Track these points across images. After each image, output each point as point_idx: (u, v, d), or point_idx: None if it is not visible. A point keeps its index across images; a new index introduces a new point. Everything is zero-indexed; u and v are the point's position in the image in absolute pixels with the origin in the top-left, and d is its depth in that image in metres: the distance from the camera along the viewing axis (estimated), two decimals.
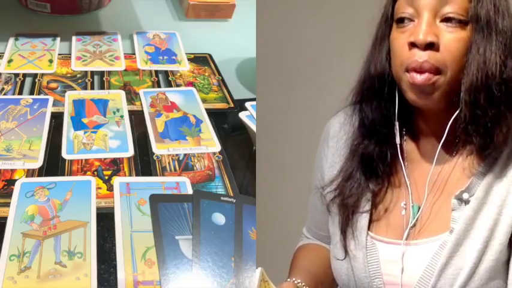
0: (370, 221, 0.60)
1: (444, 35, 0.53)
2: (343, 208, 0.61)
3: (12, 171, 0.70)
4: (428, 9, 0.53)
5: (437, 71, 0.52)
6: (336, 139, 0.65)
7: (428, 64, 0.52)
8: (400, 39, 0.55)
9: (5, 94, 0.86)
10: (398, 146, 0.59)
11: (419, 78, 0.53)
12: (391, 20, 0.57)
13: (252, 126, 0.79)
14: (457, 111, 0.54)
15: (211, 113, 0.86)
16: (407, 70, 0.53)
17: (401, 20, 0.55)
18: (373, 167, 0.60)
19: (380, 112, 0.58)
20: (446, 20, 0.53)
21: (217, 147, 0.78)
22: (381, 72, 0.57)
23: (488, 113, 0.52)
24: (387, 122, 0.59)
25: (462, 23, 0.53)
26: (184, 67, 0.98)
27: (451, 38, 0.53)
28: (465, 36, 0.53)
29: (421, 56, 0.52)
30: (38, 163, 0.71)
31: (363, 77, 0.60)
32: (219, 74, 0.98)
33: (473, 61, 0.52)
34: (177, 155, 0.76)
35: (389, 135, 0.59)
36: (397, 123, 0.58)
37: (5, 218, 0.62)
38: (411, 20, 0.54)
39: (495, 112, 0.53)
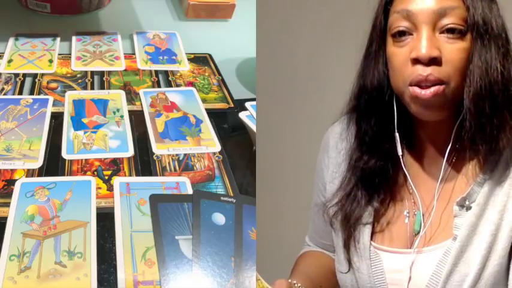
0: (373, 232, 0.59)
1: (445, 46, 0.52)
2: (345, 223, 0.61)
3: (12, 171, 0.70)
4: (427, 23, 0.52)
5: (441, 83, 0.52)
6: (335, 149, 0.64)
7: (433, 77, 0.51)
8: (399, 55, 0.54)
9: (5, 94, 0.86)
10: (400, 157, 0.58)
11: (424, 93, 0.52)
12: (383, 32, 0.56)
13: (252, 126, 0.78)
14: (459, 120, 0.54)
15: (211, 113, 0.85)
16: (411, 84, 0.53)
17: (398, 34, 0.54)
18: (374, 183, 0.59)
19: (378, 125, 0.58)
20: (446, 31, 0.52)
21: (217, 147, 0.78)
22: (378, 86, 0.57)
23: (494, 120, 0.52)
24: (386, 134, 0.58)
25: (462, 33, 0.52)
26: (184, 67, 0.98)
27: (453, 50, 0.52)
28: (465, 46, 0.52)
29: (425, 70, 0.51)
30: (38, 163, 0.71)
31: (357, 91, 0.59)
32: (219, 74, 0.97)
33: (475, 70, 0.52)
34: (177, 155, 0.76)
35: (389, 147, 0.58)
36: (397, 135, 0.58)
37: (5, 218, 0.62)
38: (409, 33, 0.53)
39: (500, 118, 0.52)
